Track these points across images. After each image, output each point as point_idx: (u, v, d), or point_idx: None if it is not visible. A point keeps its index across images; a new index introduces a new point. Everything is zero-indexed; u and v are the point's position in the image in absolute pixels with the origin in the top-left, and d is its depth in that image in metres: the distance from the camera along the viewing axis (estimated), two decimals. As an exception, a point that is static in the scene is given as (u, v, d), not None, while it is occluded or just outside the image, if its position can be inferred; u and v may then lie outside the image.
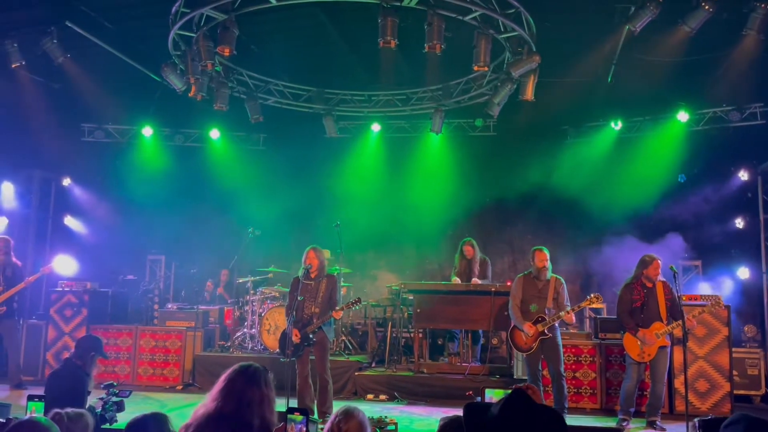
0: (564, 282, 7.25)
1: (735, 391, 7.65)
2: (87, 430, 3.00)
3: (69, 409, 2.90)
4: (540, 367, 7.19)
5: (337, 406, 7.10)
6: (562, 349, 7.19)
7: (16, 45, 8.86)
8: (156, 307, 11.09)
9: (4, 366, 9.08)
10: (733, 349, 7.71)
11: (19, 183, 11.43)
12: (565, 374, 7.20)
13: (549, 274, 7.20)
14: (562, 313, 6.95)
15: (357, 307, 7.27)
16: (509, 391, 2.10)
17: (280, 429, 2.68)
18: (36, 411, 3.27)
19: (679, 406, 7.40)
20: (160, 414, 3.19)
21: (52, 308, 9.56)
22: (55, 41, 8.80)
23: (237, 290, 10.66)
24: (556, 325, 7.10)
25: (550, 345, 7.05)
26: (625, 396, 6.98)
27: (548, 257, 7.23)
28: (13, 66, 8.99)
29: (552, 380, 7.13)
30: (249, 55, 9.79)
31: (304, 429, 2.62)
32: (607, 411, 7.72)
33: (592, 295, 6.99)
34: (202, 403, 2.88)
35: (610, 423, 7.16)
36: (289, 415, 2.65)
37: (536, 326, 7.01)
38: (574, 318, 7.09)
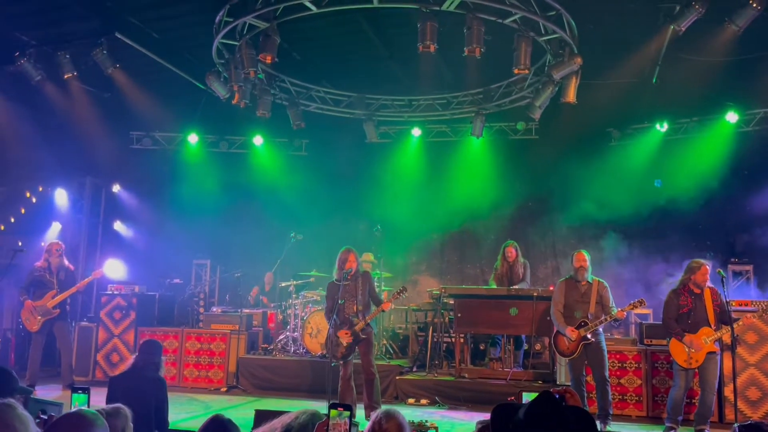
0: (607, 285, 7.13)
1: (788, 400, 7.39)
2: (127, 422, 3.10)
3: (105, 406, 3.00)
4: (584, 373, 7.09)
5: (379, 409, 7.17)
6: (606, 354, 7.08)
7: (68, 56, 9.18)
8: (201, 310, 11.32)
9: (57, 366, 9.40)
10: (787, 357, 7.46)
11: (71, 189, 11.87)
12: (609, 380, 7.08)
13: (590, 277, 7.11)
14: (605, 317, 6.86)
15: (404, 296, 7.40)
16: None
17: (322, 424, 2.73)
18: (79, 404, 3.38)
19: (729, 414, 7.19)
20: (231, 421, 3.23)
21: (102, 311, 9.85)
22: (105, 52, 9.07)
23: (280, 294, 10.79)
24: (601, 329, 6.99)
25: (594, 350, 6.94)
26: (672, 403, 6.81)
27: (587, 258, 7.14)
28: (65, 77, 9.32)
29: (596, 386, 7.02)
30: (291, 62, 9.94)
31: (348, 423, 2.65)
32: (654, 419, 7.55)
33: (636, 300, 6.88)
34: None
35: (657, 431, 7.00)
36: (332, 410, 2.68)
37: (579, 331, 6.92)
38: (624, 314, 6.98)
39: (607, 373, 6.99)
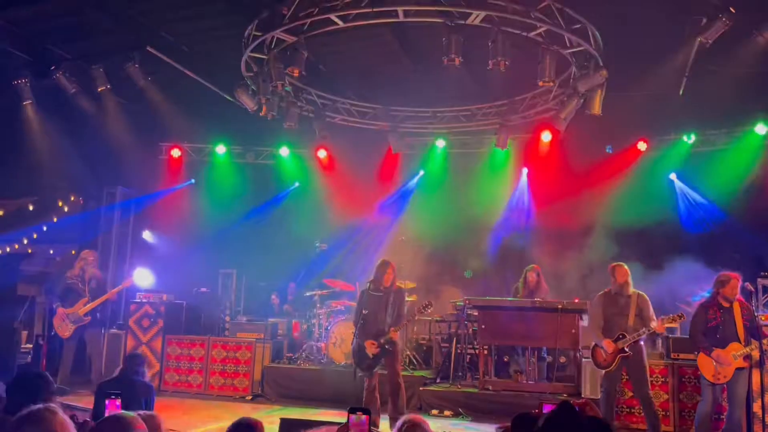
0: (647, 297, 7.04)
1: (820, 418, 7.22)
2: (160, 429, 3.19)
3: (141, 411, 3.09)
4: (617, 387, 7.05)
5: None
6: (647, 370, 6.99)
7: (102, 70, 9.43)
8: (227, 319, 11.44)
9: (87, 373, 9.57)
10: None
11: (102, 199, 12.10)
12: (653, 397, 6.98)
13: (631, 289, 7.05)
14: (643, 330, 6.77)
15: (430, 309, 7.46)
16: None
17: (342, 429, 2.78)
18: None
19: (758, 431, 7.06)
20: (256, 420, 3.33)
21: (131, 319, 10.02)
22: (137, 65, 9.31)
23: (304, 303, 10.88)
24: (641, 343, 6.90)
25: (633, 365, 6.86)
26: (700, 419, 6.70)
27: (629, 272, 7.06)
28: (99, 90, 9.56)
29: (642, 404, 6.98)
30: (317, 75, 10.08)
31: (366, 428, 2.69)
32: (681, 435, 7.46)
33: (675, 314, 6.81)
34: None
35: (685, 447, 6.92)
36: (351, 414, 2.73)
37: (616, 344, 6.84)
38: (664, 327, 6.91)
39: (649, 391, 6.90)
